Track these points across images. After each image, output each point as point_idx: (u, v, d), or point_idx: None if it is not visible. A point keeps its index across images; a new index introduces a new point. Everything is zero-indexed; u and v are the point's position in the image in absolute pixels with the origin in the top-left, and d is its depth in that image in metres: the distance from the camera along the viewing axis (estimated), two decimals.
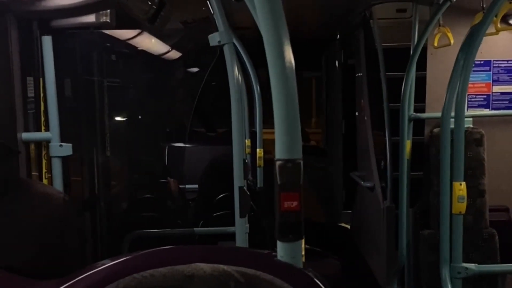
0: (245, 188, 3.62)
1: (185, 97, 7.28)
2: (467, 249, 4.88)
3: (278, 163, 1.76)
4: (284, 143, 1.76)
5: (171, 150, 7.53)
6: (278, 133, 1.77)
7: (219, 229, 4.93)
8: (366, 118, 6.24)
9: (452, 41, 4.81)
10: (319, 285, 1.78)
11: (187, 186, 6.58)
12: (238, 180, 3.58)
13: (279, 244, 1.81)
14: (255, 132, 6.89)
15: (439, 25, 4.92)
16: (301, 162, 1.77)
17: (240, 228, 3.67)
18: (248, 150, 6.58)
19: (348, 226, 7.93)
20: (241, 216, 3.63)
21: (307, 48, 8.39)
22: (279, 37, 1.76)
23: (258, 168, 6.76)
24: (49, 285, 1.80)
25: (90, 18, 3.60)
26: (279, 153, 1.77)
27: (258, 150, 6.66)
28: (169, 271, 1.72)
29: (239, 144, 3.57)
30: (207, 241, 5.15)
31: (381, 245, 5.67)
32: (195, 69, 7.25)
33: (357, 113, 7.13)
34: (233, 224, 3.68)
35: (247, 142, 6.62)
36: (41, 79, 3.58)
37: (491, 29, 4.27)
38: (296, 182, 1.76)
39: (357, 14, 6.12)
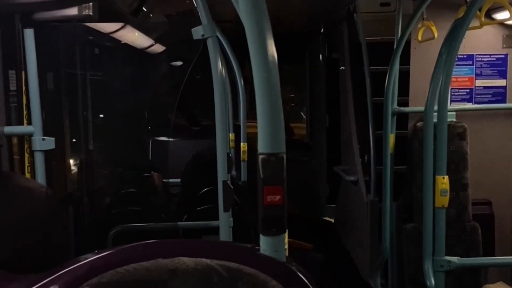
0: (229, 182, 3.62)
1: (169, 91, 7.25)
2: (450, 243, 4.91)
3: (261, 157, 1.76)
4: (267, 137, 1.76)
5: (155, 144, 7.51)
6: (261, 127, 1.76)
7: (202, 223, 4.92)
8: (349, 112, 6.25)
9: (436, 35, 4.83)
10: (302, 279, 1.78)
11: (171, 180, 6.55)
12: (221, 174, 3.57)
13: (262, 238, 1.80)
14: (239, 126, 6.87)
15: (423, 19, 4.93)
16: (284, 156, 1.76)
17: (224, 222, 3.66)
18: (232, 144, 6.58)
19: (332, 220, 7.94)
20: (225, 210, 3.62)
21: (291, 41, 8.39)
22: (261, 31, 1.76)
23: (242, 162, 6.75)
24: (30, 279, 1.79)
25: (73, 11, 3.58)
26: (262, 147, 1.76)
27: (242, 144, 6.65)
28: (152, 265, 1.72)
29: (223, 138, 3.56)
30: (191, 235, 5.14)
31: (364, 239, 5.69)
32: (179, 63, 7.22)
33: (341, 107, 7.13)
34: (217, 218, 3.67)
35: (231, 136, 6.61)
36: (23, 73, 3.55)
37: (475, 23, 4.30)
38: (279, 176, 1.75)
39: (341, 8, 6.12)
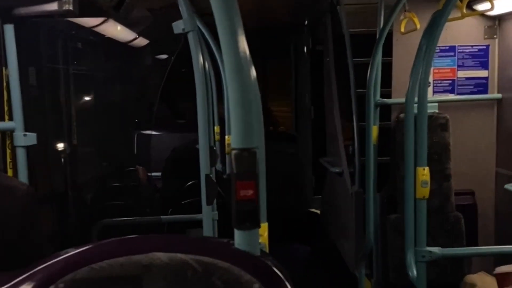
0: (212, 175, 3.63)
1: (153, 85, 7.24)
2: (434, 233, 4.95)
3: (233, 152, 1.77)
4: (239, 132, 1.76)
5: (140, 137, 7.51)
6: (234, 122, 1.77)
7: (186, 216, 4.94)
8: (334, 104, 6.27)
9: (418, 26, 4.84)
10: (276, 273, 1.80)
11: (156, 174, 6.56)
12: (204, 168, 3.58)
13: (236, 232, 1.82)
14: (224, 119, 6.88)
15: (405, 11, 4.94)
16: (257, 151, 1.78)
17: (207, 215, 3.67)
18: (217, 137, 6.58)
19: (318, 212, 7.98)
20: (208, 203, 3.63)
21: (275, 34, 8.40)
22: (231, 23, 1.76)
23: (227, 155, 6.76)
24: (7, 276, 1.80)
25: (53, 6, 3.57)
26: (235, 142, 1.77)
27: (226, 137, 6.66)
28: (126, 260, 1.73)
29: (205, 132, 3.57)
30: (175, 229, 5.16)
31: (349, 230, 5.72)
32: (164, 56, 7.21)
33: (325, 99, 7.15)
34: (201, 212, 3.69)
35: (216, 128, 6.61)
36: (3, 68, 3.54)
37: (457, 14, 4.32)
38: (251, 171, 1.76)
39: (324, 0, 6.13)
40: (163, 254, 1.74)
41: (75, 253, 1.78)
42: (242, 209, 1.78)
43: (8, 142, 3.59)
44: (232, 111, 1.78)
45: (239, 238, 1.82)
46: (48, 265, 1.76)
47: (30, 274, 1.75)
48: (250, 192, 1.76)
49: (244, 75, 1.76)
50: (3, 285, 1.74)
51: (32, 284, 1.72)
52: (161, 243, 1.81)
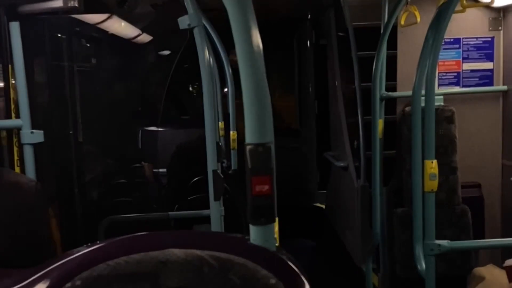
0: (218, 171, 3.63)
1: (157, 81, 7.23)
2: (441, 226, 4.93)
3: (248, 147, 1.76)
4: (254, 127, 1.76)
5: (145, 134, 7.50)
6: (248, 117, 1.77)
7: (193, 212, 4.92)
8: (338, 98, 6.25)
9: (418, 20, 4.82)
10: (292, 267, 1.80)
11: (162, 170, 6.55)
12: (211, 163, 3.58)
13: (251, 227, 1.81)
14: (229, 114, 6.87)
15: (407, 3, 4.93)
16: (272, 145, 1.77)
17: (215, 211, 3.68)
18: (222, 132, 6.57)
19: (323, 206, 7.97)
20: (215, 199, 3.64)
21: (278, 28, 8.37)
22: (246, 20, 1.76)
23: (232, 151, 6.76)
24: (22, 274, 1.79)
25: (58, 3, 3.57)
26: (249, 137, 1.77)
27: (231, 132, 6.65)
28: (143, 257, 1.73)
29: (211, 127, 3.57)
30: (182, 225, 5.15)
31: (355, 224, 5.71)
32: (167, 52, 7.20)
33: (329, 93, 7.14)
34: (208, 207, 3.68)
35: (221, 124, 6.61)
36: (10, 66, 3.54)
37: (458, 6, 4.30)
38: (267, 166, 1.76)
39: None
40: (179, 250, 1.74)
41: (92, 250, 1.78)
42: (258, 204, 1.77)
43: (15, 139, 3.59)
44: (246, 106, 1.77)
45: (254, 234, 1.81)
46: (65, 262, 1.76)
47: (47, 271, 1.74)
48: (266, 187, 1.76)
49: (258, 71, 1.76)
50: (20, 283, 1.74)
51: (48, 282, 1.72)
52: (177, 240, 1.81)
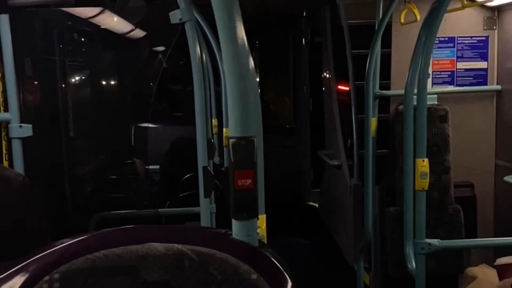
0: (209, 168, 3.60)
1: (150, 76, 7.21)
2: (433, 225, 4.93)
3: (231, 141, 1.74)
4: (237, 120, 1.74)
5: (137, 130, 7.47)
6: (231, 111, 1.75)
7: (184, 209, 4.91)
8: (332, 96, 6.24)
9: (418, 17, 4.81)
10: (274, 263, 1.77)
11: (153, 167, 6.53)
12: (202, 160, 3.56)
13: (234, 222, 1.79)
14: (222, 111, 6.85)
15: (405, 2, 4.91)
16: (255, 139, 1.75)
17: (205, 208, 3.65)
18: (215, 130, 6.55)
19: (316, 205, 7.95)
20: (205, 196, 3.62)
21: (274, 25, 8.36)
22: (230, 11, 1.73)
23: (225, 148, 6.73)
24: (2, 266, 1.77)
25: None
26: (233, 130, 1.75)
27: (224, 129, 6.62)
28: (123, 251, 1.70)
29: (202, 124, 3.55)
30: (173, 222, 5.13)
31: (348, 223, 5.70)
32: (161, 48, 7.18)
33: (323, 91, 7.12)
34: (199, 204, 3.66)
35: (214, 122, 6.58)
36: None
37: (457, 4, 4.28)
38: (250, 160, 1.74)
39: None
40: (159, 244, 1.72)
41: (71, 243, 1.76)
42: (240, 198, 1.75)
43: (3, 133, 3.56)
44: (229, 98, 1.75)
45: (237, 228, 1.79)
46: (43, 255, 1.74)
47: (25, 264, 1.72)
48: (249, 181, 1.73)
49: (241, 63, 1.74)
50: None
51: (26, 275, 1.70)
52: (157, 234, 1.79)
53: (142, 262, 1.69)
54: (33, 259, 1.74)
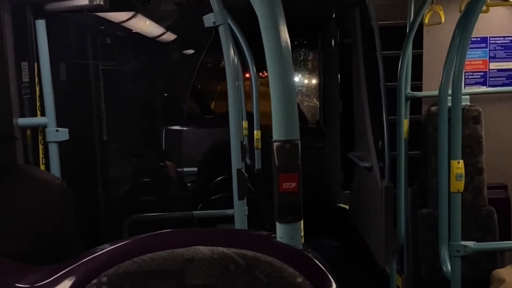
0: (243, 170, 3.61)
1: (181, 80, 7.24)
2: (466, 227, 4.89)
3: (275, 144, 1.75)
4: (281, 124, 1.75)
5: (168, 133, 7.51)
6: (275, 115, 1.76)
7: (217, 211, 4.92)
8: (363, 98, 6.22)
9: (443, 19, 4.78)
10: (319, 266, 1.78)
11: (185, 169, 6.56)
12: (235, 162, 3.57)
13: (278, 225, 1.80)
14: (252, 114, 6.86)
15: (432, 2, 4.89)
16: (299, 142, 1.76)
17: (239, 211, 3.66)
18: (245, 132, 6.57)
19: (347, 207, 7.93)
20: (240, 198, 3.62)
21: (303, 27, 8.36)
22: (274, 17, 1.74)
23: (255, 150, 6.74)
24: (48, 270, 1.79)
25: (84, 1, 3.58)
26: (277, 134, 1.75)
27: (255, 132, 6.63)
28: (169, 254, 1.72)
29: (236, 126, 3.56)
30: (206, 224, 5.14)
31: (379, 225, 5.68)
32: (191, 51, 7.21)
33: (354, 93, 7.10)
34: (231, 207, 3.67)
35: (244, 124, 6.60)
36: (35, 64, 3.55)
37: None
38: (294, 163, 1.75)
39: None
40: (205, 247, 1.73)
41: (117, 247, 1.78)
42: (285, 202, 1.76)
43: (40, 137, 3.60)
44: (274, 103, 1.76)
45: (281, 232, 1.80)
46: (90, 259, 1.76)
47: (72, 268, 1.74)
48: (293, 184, 1.74)
49: (286, 67, 1.75)
50: (45, 279, 1.74)
51: (74, 278, 1.72)
52: (203, 237, 1.80)
53: (188, 265, 1.70)
54: (80, 263, 1.76)
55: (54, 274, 1.75)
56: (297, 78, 11.07)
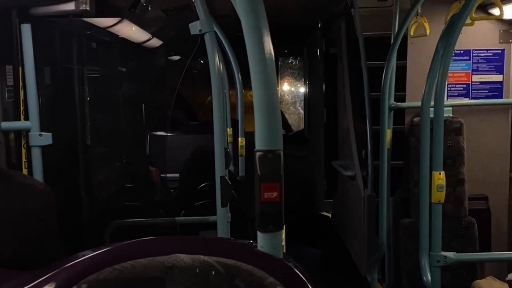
0: (226, 177, 3.62)
1: (166, 86, 7.24)
2: (447, 238, 4.92)
3: (258, 154, 1.76)
4: (264, 134, 1.76)
5: (153, 139, 7.50)
6: (258, 124, 1.77)
7: (200, 218, 4.92)
8: (347, 107, 6.24)
9: (428, 31, 4.83)
10: (299, 275, 1.79)
11: (169, 175, 6.55)
12: (219, 169, 3.58)
13: (259, 234, 1.81)
14: (237, 121, 6.87)
15: (417, 15, 4.93)
16: (281, 152, 1.77)
17: (222, 217, 3.67)
18: (230, 139, 6.57)
19: (329, 215, 7.94)
20: (223, 205, 3.63)
21: (289, 36, 8.37)
22: (258, 26, 1.76)
23: (240, 157, 6.76)
24: (29, 276, 1.79)
25: (70, 6, 3.58)
26: (259, 144, 1.77)
27: (240, 139, 6.65)
28: (150, 262, 1.72)
29: (220, 133, 3.57)
30: (188, 231, 5.14)
31: (361, 234, 5.69)
32: (177, 57, 7.21)
33: (338, 102, 7.12)
34: (214, 214, 3.68)
35: (229, 131, 6.61)
36: (20, 68, 3.55)
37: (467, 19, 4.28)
38: (276, 173, 1.76)
39: (338, 3, 6.12)
40: (186, 255, 1.73)
41: (98, 254, 1.78)
42: (266, 211, 1.77)
43: (23, 141, 3.59)
44: (257, 112, 1.77)
45: (262, 241, 1.81)
46: (71, 265, 1.76)
47: (53, 274, 1.74)
48: (275, 194, 1.75)
49: (269, 77, 1.76)
50: (26, 285, 1.74)
51: (54, 284, 1.72)
52: (184, 245, 1.81)
53: (168, 273, 1.71)
54: (61, 269, 1.76)
55: (34, 280, 1.75)
56: (282, 86, 11.08)
